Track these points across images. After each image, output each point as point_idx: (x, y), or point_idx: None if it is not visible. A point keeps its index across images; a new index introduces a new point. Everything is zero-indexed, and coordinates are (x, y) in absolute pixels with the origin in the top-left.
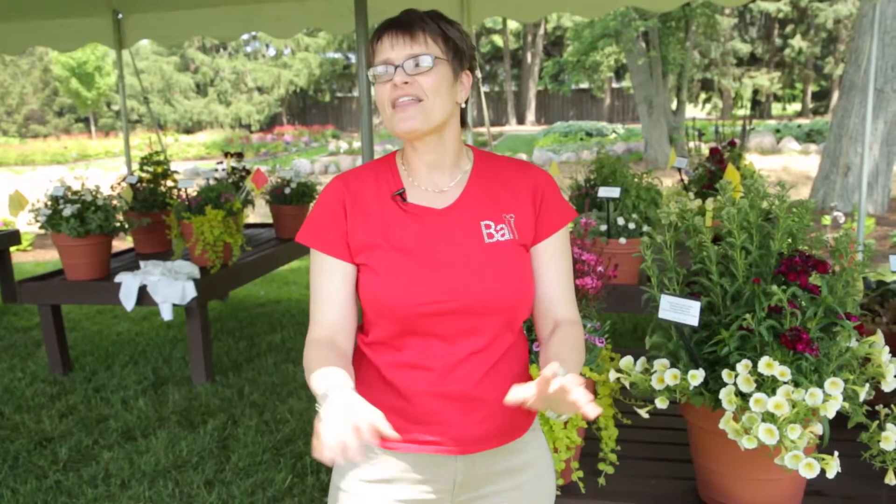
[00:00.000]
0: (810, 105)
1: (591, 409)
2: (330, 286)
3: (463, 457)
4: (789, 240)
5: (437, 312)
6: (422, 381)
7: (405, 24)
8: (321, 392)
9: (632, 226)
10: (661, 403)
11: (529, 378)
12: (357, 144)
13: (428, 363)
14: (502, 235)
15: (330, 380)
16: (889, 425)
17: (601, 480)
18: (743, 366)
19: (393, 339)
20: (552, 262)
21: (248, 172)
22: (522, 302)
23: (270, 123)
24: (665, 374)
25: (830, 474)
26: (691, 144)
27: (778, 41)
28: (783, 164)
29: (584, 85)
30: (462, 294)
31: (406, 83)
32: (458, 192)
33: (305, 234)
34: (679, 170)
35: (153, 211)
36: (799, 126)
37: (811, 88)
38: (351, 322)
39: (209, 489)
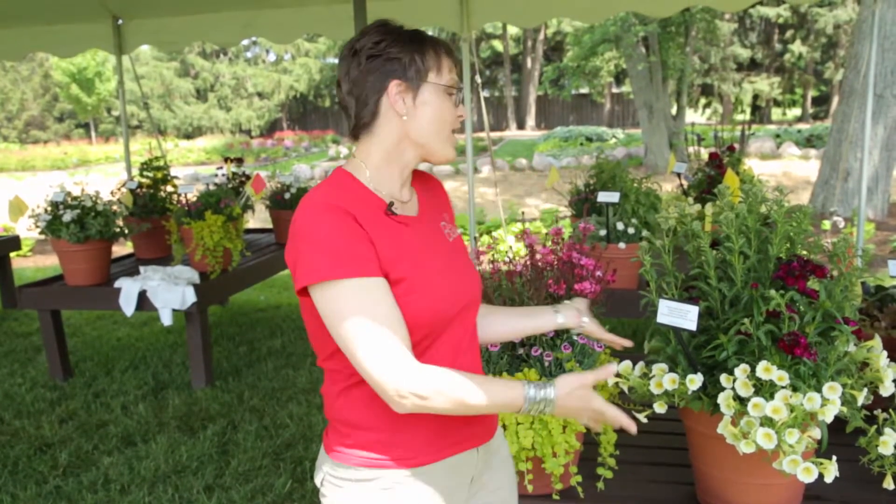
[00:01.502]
0: (810, 110)
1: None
2: (390, 302)
3: (483, 446)
4: (787, 244)
5: (459, 311)
6: None
7: (458, 62)
8: (530, 395)
9: (631, 230)
10: (660, 408)
11: None
12: None
13: (446, 362)
14: (455, 232)
15: (516, 383)
16: (887, 430)
17: (600, 485)
18: (741, 370)
19: (414, 348)
20: None
21: (248, 178)
22: None
23: (270, 129)
24: (664, 379)
25: (828, 479)
26: (691, 149)
27: (778, 46)
28: (783, 169)
29: (584, 90)
30: (468, 287)
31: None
32: (416, 201)
33: (336, 267)
34: (678, 175)
35: (153, 216)
36: (799, 131)
37: (811, 93)
38: None
39: (209, 494)
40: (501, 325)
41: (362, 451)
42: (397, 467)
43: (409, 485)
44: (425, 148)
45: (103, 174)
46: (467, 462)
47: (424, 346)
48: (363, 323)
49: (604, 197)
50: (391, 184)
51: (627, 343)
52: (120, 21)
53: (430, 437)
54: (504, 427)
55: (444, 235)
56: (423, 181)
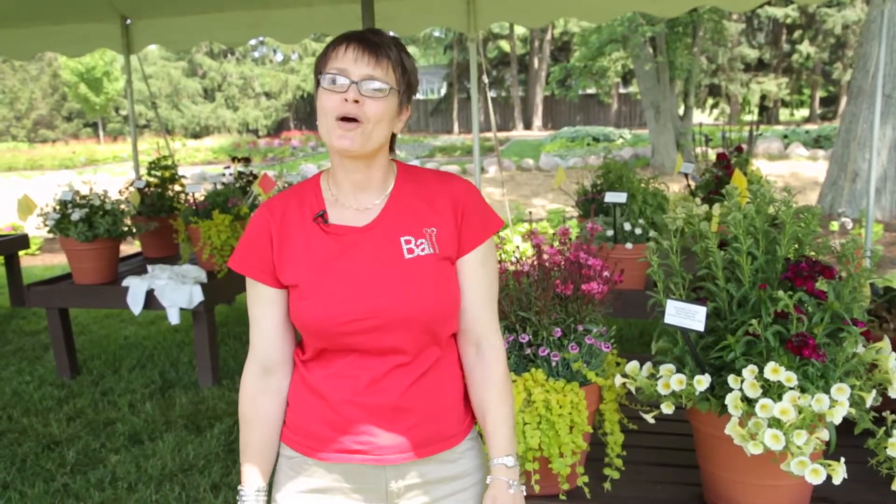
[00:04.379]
0: (818, 111)
1: None
2: (261, 311)
3: (393, 466)
4: (796, 245)
5: (359, 330)
6: (346, 390)
7: (373, 44)
8: (241, 484)
9: (638, 231)
10: (667, 409)
11: (462, 389)
12: None
13: (354, 373)
14: (422, 250)
15: (246, 481)
16: None
17: (607, 486)
18: (749, 371)
19: (323, 354)
20: (474, 275)
21: (255, 177)
22: (444, 316)
23: (278, 128)
24: (671, 380)
25: (837, 480)
26: (698, 150)
27: (786, 46)
28: (791, 170)
29: (591, 90)
30: (382, 311)
31: (356, 102)
32: (380, 209)
33: (235, 260)
34: (686, 175)
35: (161, 215)
36: (807, 132)
37: (819, 94)
38: (285, 343)
39: (215, 493)
40: (475, 391)
41: (287, 429)
42: (304, 453)
43: (311, 473)
44: (327, 144)
45: (111, 173)
46: (371, 474)
47: (327, 359)
48: (251, 313)
49: (611, 197)
50: (340, 187)
51: None
52: (128, 21)
53: (323, 433)
54: None
55: (400, 251)
56: (425, 189)
